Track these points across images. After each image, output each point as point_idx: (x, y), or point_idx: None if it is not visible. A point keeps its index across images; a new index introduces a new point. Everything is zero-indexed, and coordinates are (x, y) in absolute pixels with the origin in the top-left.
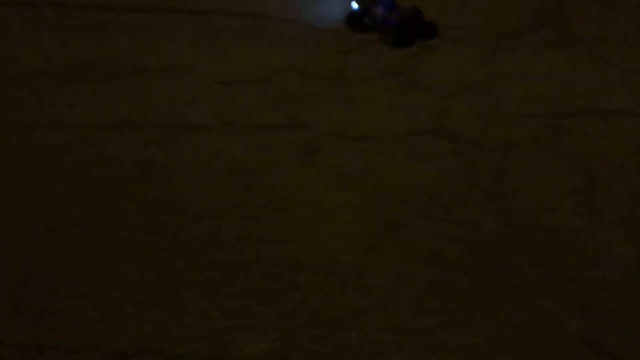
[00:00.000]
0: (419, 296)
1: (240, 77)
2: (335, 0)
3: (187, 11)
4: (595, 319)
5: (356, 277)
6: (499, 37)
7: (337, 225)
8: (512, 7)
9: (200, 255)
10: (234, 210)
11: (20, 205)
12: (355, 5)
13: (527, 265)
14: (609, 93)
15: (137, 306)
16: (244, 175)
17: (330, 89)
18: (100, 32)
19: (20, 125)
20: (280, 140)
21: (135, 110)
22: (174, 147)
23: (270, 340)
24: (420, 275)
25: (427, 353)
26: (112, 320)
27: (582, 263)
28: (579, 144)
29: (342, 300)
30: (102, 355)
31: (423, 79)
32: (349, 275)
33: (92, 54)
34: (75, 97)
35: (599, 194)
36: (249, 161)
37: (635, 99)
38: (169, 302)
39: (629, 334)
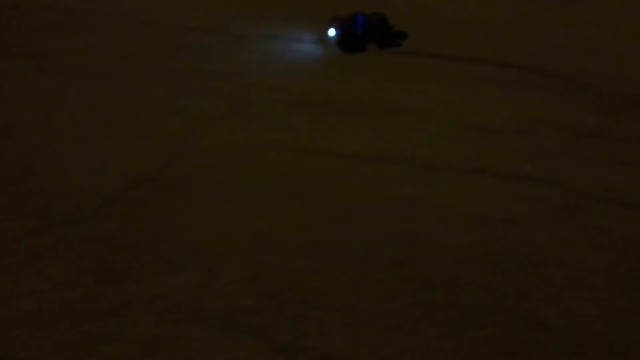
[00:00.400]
0: None
1: (496, 125)
2: None
3: (448, 58)
4: None
5: (605, 349)
6: None
7: (595, 293)
8: None
9: (443, 294)
10: (481, 256)
11: (285, 220)
12: (332, 33)
13: None
14: None
15: (382, 330)
16: (495, 223)
17: (591, 148)
18: (367, 72)
19: (291, 148)
20: (535, 194)
21: (394, 146)
22: (427, 186)
23: None
24: None
25: None
26: (357, 336)
27: None
28: None
29: None
30: None
31: None
32: (598, 346)
33: (359, 91)
34: (339, 128)
35: None
36: (501, 210)
37: None
38: (410, 332)
39: None
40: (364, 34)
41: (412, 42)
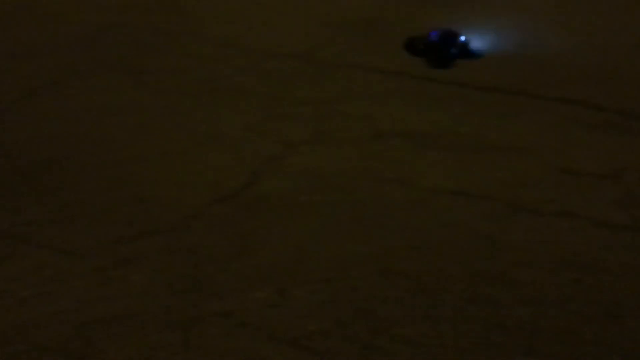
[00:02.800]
0: None
1: (582, 169)
2: None
3: (535, 96)
4: None
5: None
6: None
7: None
8: None
9: (518, 338)
10: (557, 301)
11: (360, 247)
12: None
13: None
14: None
15: None
16: (574, 269)
17: None
18: (451, 105)
19: (372, 176)
20: (619, 242)
21: (474, 182)
22: (505, 225)
23: None
24: None
25: None
26: None
27: None
28: None
29: None
30: None
31: None
32: None
33: (442, 124)
34: (421, 160)
35: None
36: (581, 256)
37: None
38: None
39: None
40: (447, 50)
41: (499, 79)
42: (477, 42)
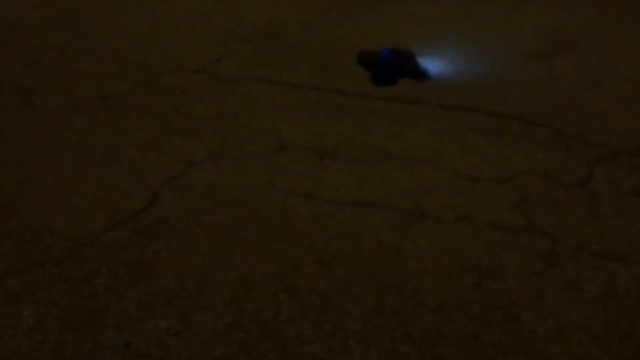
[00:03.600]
0: None
1: (480, 174)
2: None
3: (433, 105)
4: None
5: None
6: None
7: (572, 348)
8: None
9: (423, 346)
10: (460, 306)
11: (266, 265)
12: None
13: None
14: None
15: None
16: (475, 273)
17: (575, 199)
18: (354, 116)
19: (277, 191)
20: (516, 244)
21: (377, 192)
22: (409, 234)
23: None
24: None
25: None
26: None
27: None
28: None
29: None
30: None
31: None
32: None
33: (345, 135)
34: (325, 172)
35: None
36: (481, 260)
37: None
38: None
39: None
40: (398, 68)
41: (393, 88)
42: (428, 64)
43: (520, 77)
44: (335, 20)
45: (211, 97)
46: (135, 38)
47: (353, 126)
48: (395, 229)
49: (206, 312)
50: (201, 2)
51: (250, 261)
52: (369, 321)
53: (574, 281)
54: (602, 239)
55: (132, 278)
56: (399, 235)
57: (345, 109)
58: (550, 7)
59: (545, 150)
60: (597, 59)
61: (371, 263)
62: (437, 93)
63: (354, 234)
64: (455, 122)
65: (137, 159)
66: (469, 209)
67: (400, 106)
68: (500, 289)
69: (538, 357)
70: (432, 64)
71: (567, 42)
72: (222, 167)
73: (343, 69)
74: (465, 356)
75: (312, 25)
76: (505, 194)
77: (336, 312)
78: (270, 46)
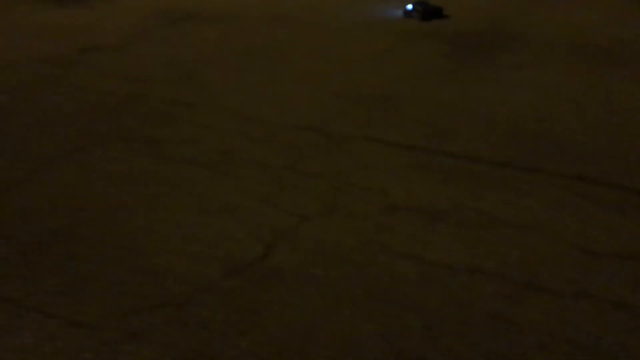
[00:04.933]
0: None
1: (601, 249)
2: None
3: (551, 173)
4: None
5: None
6: None
7: None
8: None
9: None
10: None
11: (373, 325)
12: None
13: None
14: None
15: None
16: (595, 354)
17: None
18: (466, 181)
19: (386, 251)
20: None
21: (489, 260)
22: (523, 306)
23: None
24: None
25: None
26: None
27: None
28: None
29: None
30: None
31: None
32: None
33: (456, 200)
34: (435, 236)
35: None
36: (602, 341)
37: None
38: None
39: None
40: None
41: (515, 154)
42: None
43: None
44: (447, 83)
45: (324, 156)
46: (256, 96)
47: (465, 191)
48: (507, 300)
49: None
50: (319, 64)
51: (357, 320)
52: None
53: None
54: None
55: (244, 326)
56: (512, 307)
57: (457, 173)
58: None
59: None
60: None
61: (481, 333)
62: (555, 161)
63: (464, 301)
64: (574, 192)
65: (253, 211)
66: (589, 285)
67: (515, 173)
68: None
69: None
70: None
71: None
72: (333, 224)
73: (454, 133)
74: None
75: (425, 88)
76: (630, 272)
77: None
78: (383, 108)
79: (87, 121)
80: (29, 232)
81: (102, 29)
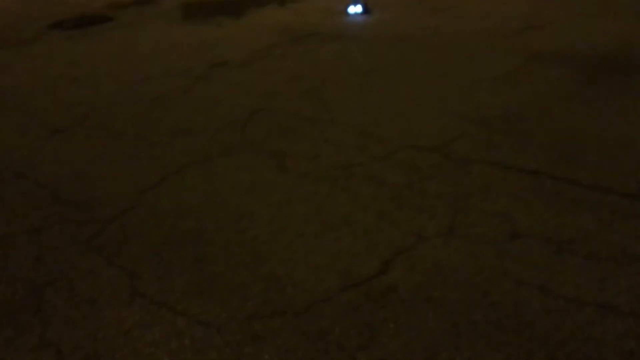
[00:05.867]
0: None
1: None
2: None
3: None
4: None
5: None
6: None
7: None
8: None
9: None
10: None
11: (494, 355)
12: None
13: None
14: None
15: None
16: None
17: None
18: (595, 211)
19: (508, 278)
20: None
21: (621, 296)
22: None
23: None
24: None
25: None
26: None
27: None
28: None
29: None
30: None
31: None
32: None
33: (585, 230)
34: (562, 266)
35: None
36: None
37: None
38: None
39: None
40: None
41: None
42: None
43: None
44: (575, 107)
45: (444, 176)
46: (376, 114)
47: (594, 221)
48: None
49: None
50: (440, 85)
51: (477, 347)
52: None
53: None
54: None
55: (361, 341)
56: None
57: (586, 202)
58: None
59: None
60: None
61: None
62: None
63: (593, 338)
64: None
65: (371, 227)
66: None
67: None
68: None
69: None
70: None
71: None
72: (452, 246)
73: (583, 159)
74: None
75: (550, 111)
76: None
77: None
78: (507, 130)
79: (215, 132)
80: (161, 233)
81: (229, 45)
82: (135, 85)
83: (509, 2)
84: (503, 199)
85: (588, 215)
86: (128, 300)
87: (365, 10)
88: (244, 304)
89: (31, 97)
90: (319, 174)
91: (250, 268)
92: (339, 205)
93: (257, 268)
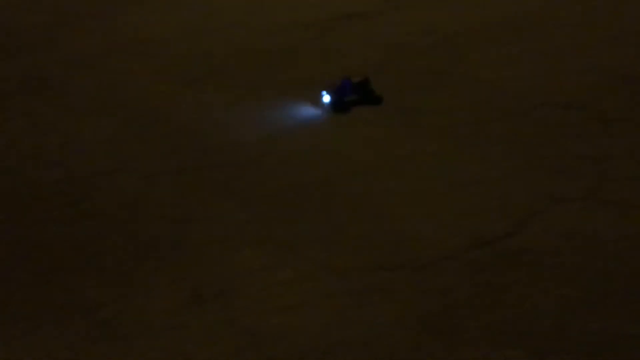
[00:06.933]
0: None
1: None
2: None
3: None
4: None
5: None
6: None
7: None
8: None
9: None
10: None
11: (630, 326)
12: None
13: None
14: None
15: None
16: None
17: None
18: None
19: None
20: None
21: None
22: None
23: None
24: None
25: None
26: None
27: None
28: None
29: None
30: None
31: None
32: None
33: None
34: None
35: None
36: None
37: None
38: None
39: None
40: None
41: None
42: None
43: None
44: None
45: (585, 136)
46: (515, 68)
47: None
48: None
49: (560, 356)
50: (584, 38)
51: (612, 318)
52: None
53: None
54: None
55: (490, 302)
56: None
57: None
58: None
59: None
60: None
61: None
62: None
63: None
64: None
65: (502, 187)
66: None
67: None
68: None
69: None
70: None
71: None
72: (590, 211)
73: None
74: None
75: None
76: None
77: None
78: None
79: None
80: (290, 180)
81: None
82: (264, 37)
83: None
84: None
85: None
86: (259, 242)
87: None
88: (368, 255)
89: (169, 46)
90: (449, 129)
91: (375, 221)
92: (469, 162)
93: (381, 221)
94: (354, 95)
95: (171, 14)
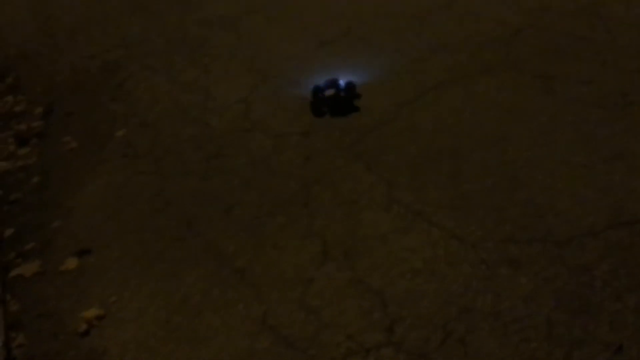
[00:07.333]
0: None
1: None
2: None
3: None
4: None
5: None
6: None
7: None
8: None
9: None
10: None
11: None
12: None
13: None
14: None
15: None
16: None
17: None
18: None
19: None
20: None
21: None
22: None
23: None
24: None
25: None
26: None
27: None
28: None
29: None
30: None
31: None
32: None
33: None
34: None
35: None
36: None
37: None
38: None
39: None
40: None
41: None
42: None
43: None
44: None
45: None
46: None
47: None
48: None
49: None
50: None
51: None
52: None
53: None
54: None
55: (631, 282)
56: None
57: None
58: None
59: None
60: None
61: None
62: None
63: None
64: None
65: None
66: None
67: None
68: None
69: None
70: None
71: None
72: None
73: None
74: None
75: None
76: None
77: None
78: None
79: (477, 49)
80: (417, 146)
81: None
82: (395, 2)
83: None
84: None
85: None
86: (385, 205)
87: None
88: (499, 226)
89: (302, 10)
90: (591, 99)
91: (507, 191)
92: (613, 135)
93: (514, 192)
94: (332, 90)
95: None
